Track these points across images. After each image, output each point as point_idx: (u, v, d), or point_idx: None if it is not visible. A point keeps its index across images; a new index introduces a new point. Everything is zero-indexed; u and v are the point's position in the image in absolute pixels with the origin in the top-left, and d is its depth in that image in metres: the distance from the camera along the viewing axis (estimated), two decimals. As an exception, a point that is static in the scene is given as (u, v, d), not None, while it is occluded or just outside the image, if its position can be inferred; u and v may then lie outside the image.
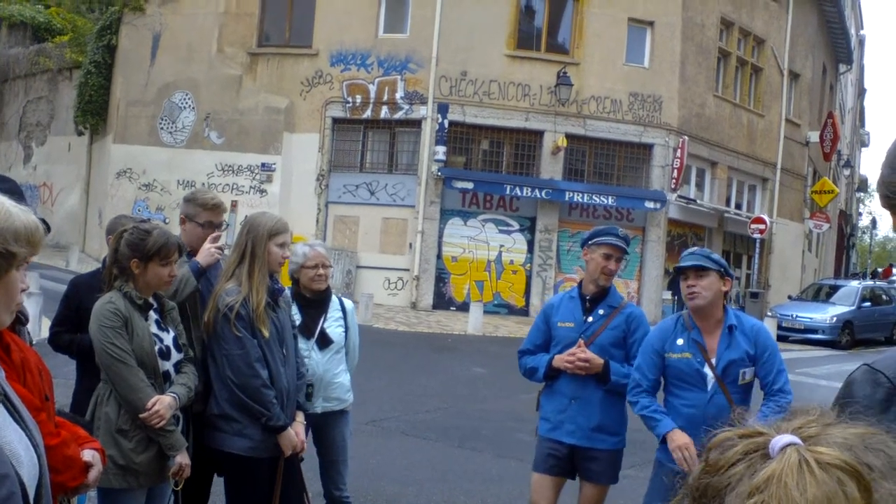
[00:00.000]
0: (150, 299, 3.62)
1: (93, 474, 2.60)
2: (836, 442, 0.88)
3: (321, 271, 4.60)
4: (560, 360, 4.34)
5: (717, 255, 4.15)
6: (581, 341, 4.32)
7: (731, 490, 0.89)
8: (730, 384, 3.95)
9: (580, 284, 4.54)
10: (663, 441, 3.97)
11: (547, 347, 4.52)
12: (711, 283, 3.96)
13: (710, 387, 3.96)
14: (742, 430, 0.95)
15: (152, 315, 3.62)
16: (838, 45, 31.60)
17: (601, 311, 4.41)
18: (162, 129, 21.91)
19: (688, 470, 3.76)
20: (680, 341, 4.04)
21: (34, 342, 3.32)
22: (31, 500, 1.68)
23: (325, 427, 4.65)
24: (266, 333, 3.84)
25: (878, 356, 1.32)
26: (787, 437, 0.89)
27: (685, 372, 4.01)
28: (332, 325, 4.70)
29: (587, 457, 4.37)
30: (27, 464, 1.67)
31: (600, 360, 4.28)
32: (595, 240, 4.40)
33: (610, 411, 4.36)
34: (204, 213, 4.23)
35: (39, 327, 10.39)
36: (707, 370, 3.97)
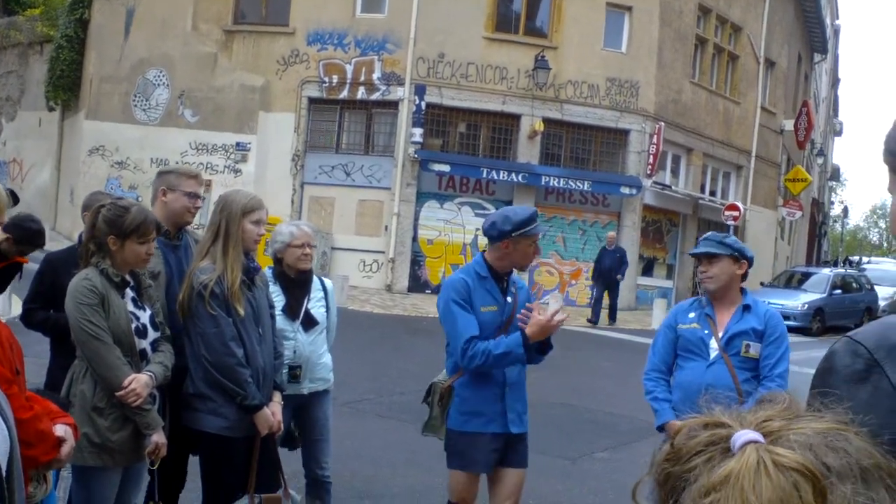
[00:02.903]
0: (127, 276, 3.58)
1: (65, 449, 2.58)
2: (798, 440, 0.88)
3: (307, 251, 4.58)
4: (539, 326, 3.76)
5: (731, 239, 4.22)
6: (536, 303, 3.89)
7: (690, 484, 0.89)
8: (733, 356, 4.02)
9: (485, 262, 4.02)
10: (661, 430, 4.06)
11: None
12: (723, 267, 4.09)
13: (712, 357, 4.06)
14: (707, 418, 0.95)
15: (129, 292, 3.58)
16: (814, 35, 31.83)
17: (512, 290, 4.08)
18: (135, 106, 21.63)
19: None
20: (691, 314, 4.21)
21: (6, 319, 3.29)
22: (3, 473, 1.66)
23: (309, 407, 4.65)
24: (241, 312, 3.81)
25: (859, 329, 1.36)
26: (748, 434, 0.88)
27: (690, 341, 4.12)
28: (315, 305, 4.70)
29: (517, 441, 4.06)
30: (-3, 436, 1.64)
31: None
32: (524, 230, 3.91)
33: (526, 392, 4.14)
34: (187, 181, 4.16)
35: (10, 305, 10.26)
36: (713, 342, 4.07)
